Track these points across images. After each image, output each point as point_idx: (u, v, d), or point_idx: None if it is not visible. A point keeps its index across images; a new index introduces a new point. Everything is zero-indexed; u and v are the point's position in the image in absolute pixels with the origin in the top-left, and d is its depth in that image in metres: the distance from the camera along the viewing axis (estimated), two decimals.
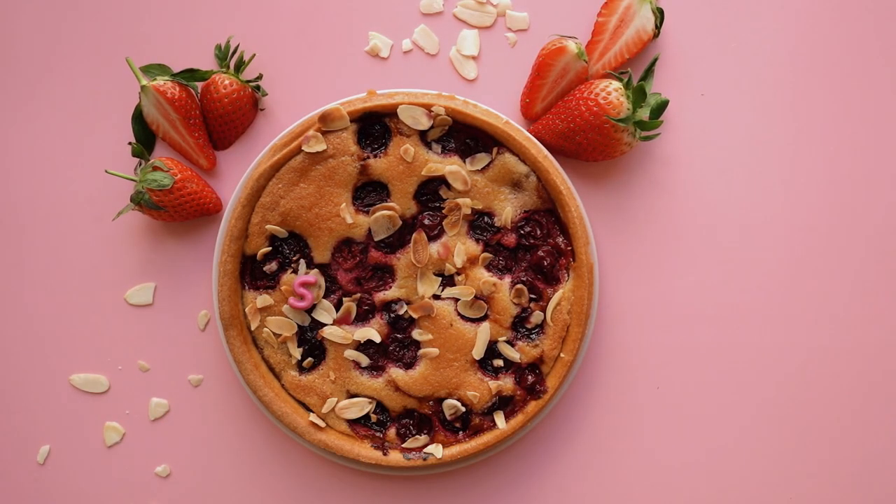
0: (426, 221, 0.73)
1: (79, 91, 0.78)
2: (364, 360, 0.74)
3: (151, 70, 0.74)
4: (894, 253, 0.77)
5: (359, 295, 0.74)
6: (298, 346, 0.74)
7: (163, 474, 0.78)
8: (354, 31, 0.78)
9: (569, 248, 0.73)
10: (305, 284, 0.73)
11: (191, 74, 0.74)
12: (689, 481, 0.77)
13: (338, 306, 0.74)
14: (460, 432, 0.74)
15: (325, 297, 0.74)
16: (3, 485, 0.78)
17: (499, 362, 0.73)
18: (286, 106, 0.78)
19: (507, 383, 0.73)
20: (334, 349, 0.74)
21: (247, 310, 0.74)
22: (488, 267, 0.74)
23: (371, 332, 0.73)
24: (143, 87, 0.73)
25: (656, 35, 0.75)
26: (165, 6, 0.78)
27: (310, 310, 0.74)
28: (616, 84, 0.71)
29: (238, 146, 0.78)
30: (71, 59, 0.78)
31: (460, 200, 0.73)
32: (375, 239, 0.73)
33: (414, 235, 0.73)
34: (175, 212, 0.73)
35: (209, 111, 0.75)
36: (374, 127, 0.74)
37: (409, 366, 0.74)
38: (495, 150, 0.73)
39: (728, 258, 0.77)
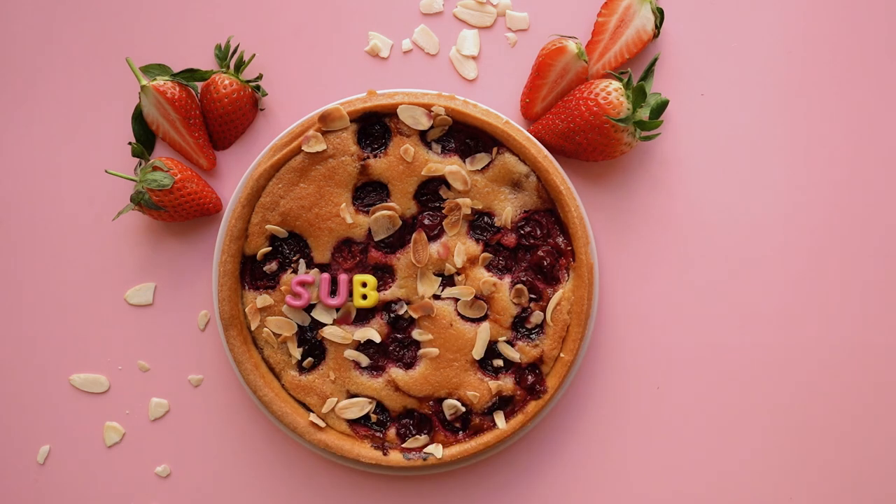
0: (426, 221, 0.73)
1: (79, 91, 0.78)
2: (364, 360, 0.74)
3: (151, 70, 0.74)
4: None
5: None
6: (298, 346, 0.74)
7: (163, 474, 0.78)
8: (354, 31, 0.78)
9: (569, 248, 0.73)
10: (303, 283, 0.73)
11: (191, 74, 0.74)
12: (689, 481, 0.77)
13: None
14: (460, 432, 0.74)
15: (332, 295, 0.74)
16: (3, 485, 0.78)
17: (499, 362, 0.73)
18: (286, 106, 0.78)
19: (507, 383, 0.73)
20: (334, 349, 0.74)
21: (247, 310, 0.74)
22: (488, 267, 0.74)
23: (371, 332, 0.73)
24: (143, 87, 0.73)
25: (656, 35, 0.75)
26: (165, 6, 0.78)
27: (309, 310, 0.74)
28: (616, 84, 0.71)
29: (238, 146, 0.78)
30: (71, 59, 0.78)
31: (460, 200, 0.73)
32: (375, 239, 0.73)
33: (414, 235, 0.73)
34: (175, 212, 0.73)
35: (209, 111, 0.75)
36: (374, 127, 0.74)
37: (409, 366, 0.74)
38: (495, 150, 0.73)
39: (728, 258, 0.77)
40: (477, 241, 0.74)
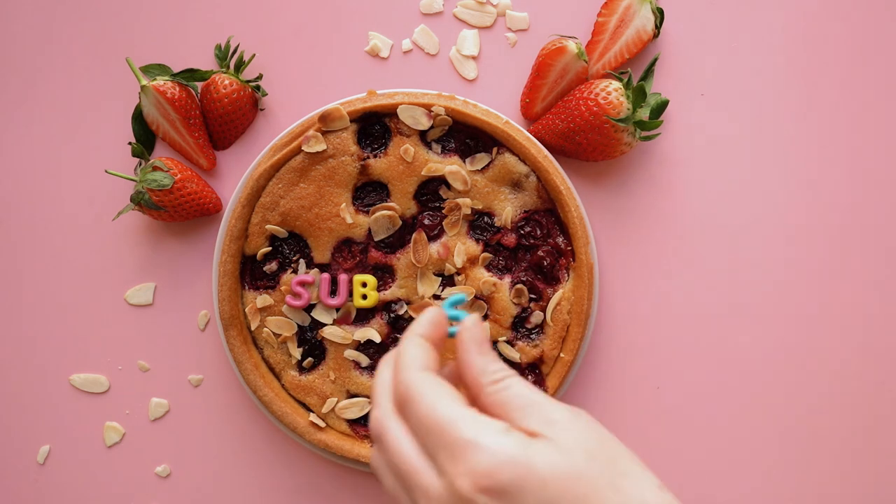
0: (426, 221, 0.73)
1: (79, 91, 0.78)
2: (364, 360, 0.74)
3: (151, 70, 0.74)
4: None
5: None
6: (298, 346, 0.74)
7: (163, 474, 0.78)
8: (354, 31, 0.78)
9: (569, 248, 0.73)
10: (303, 283, 0.73)
11: (191, 74, 0.74)
12: (689, 481, 0.77)
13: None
14: None
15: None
16: (3, 485, 0.78)
17: None
18: (286, 106, 0.78)
19: None
20: (334, 349, 0.74)
21: (247, 310, 0.74)
22: (488, 267, 0.74)
23: (371, 332, 0.73)
24: (143, 87, 0.73)
25: (656, 35, 0.75)
26: (165, 6, 0.78)
27: (310, 310, 0.74)
28: (616, 84, 0.71)
29: (238, 146, 0.78)
30: (71, 59, 0.78)
31: (460, 200, 0.73)
32: (375, 239, 0.73)
33: (414, 235, 0.73)
34: (175, 212, 0.73)
35: (209, 111, 0.75)
36: (374, 127, 0.74)
37: None
38: (495, 150, 0.73)
39: (728, 258, 0.77)
40: (477, 241, 0.74)
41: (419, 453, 0.45)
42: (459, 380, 0.49)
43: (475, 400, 0.47)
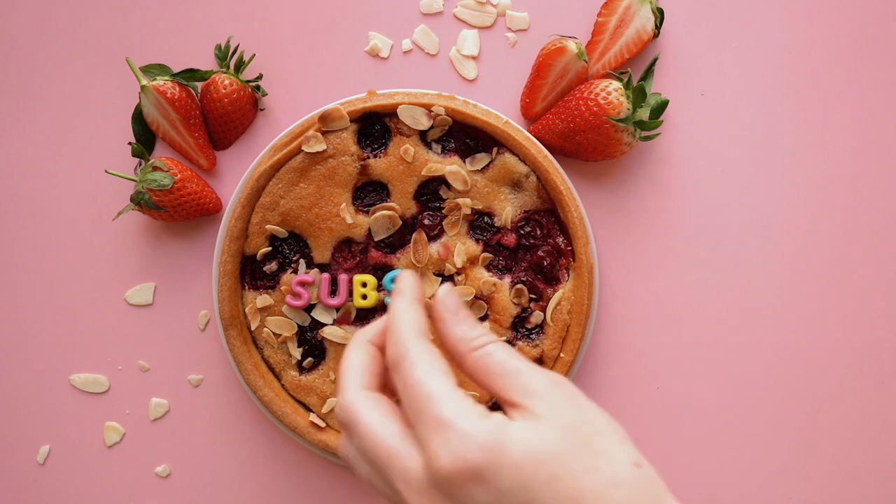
0: (426, 221, 0.73)
1: (79, 91, 0.78)
2: None
3: (151, 70, 0.74)
4: None
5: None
6: (298, 346, 0.74)
7: (163, 474, 0.78)
8: (354, 31, 0.78)
9: (569, 248, 0.73)
10: (303, 283, 0.73)
11: (191, 74, 0.74)
12: (689, 481, 0.77)
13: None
14: None
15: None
16: (3, 485, 0.78)
17: None
18: (286, 106, 0.78)
19: None
20: (334, 349, 0.74)
21: (247, 310, 0.74)
22: (488, 267, 0.74)
23: None
24: (143, 87, 0.73)
25: (656, 35, 0.75)
26: (165, 6, 0.78)
27: (310, 310, 0.74)
28: (616, 84, 0.71)
29: (238, 146, 0.78)
30: (71, 59, 0.78)
31: (460, 200, 0.73)
32: (375, 239, 0.73)
33: (414, 235, 0.73)
34: (175, 212, 0.73)
35: (209, 111, 0.75)
36: (374, 127, 0.74)
37: None
38: (495, 150, 0.73)
39: (728, 258, 0.77)
40: (477, 241, 0.74)
41: (397, 436, 0.45)
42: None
43: (459, 365, 0.47)
